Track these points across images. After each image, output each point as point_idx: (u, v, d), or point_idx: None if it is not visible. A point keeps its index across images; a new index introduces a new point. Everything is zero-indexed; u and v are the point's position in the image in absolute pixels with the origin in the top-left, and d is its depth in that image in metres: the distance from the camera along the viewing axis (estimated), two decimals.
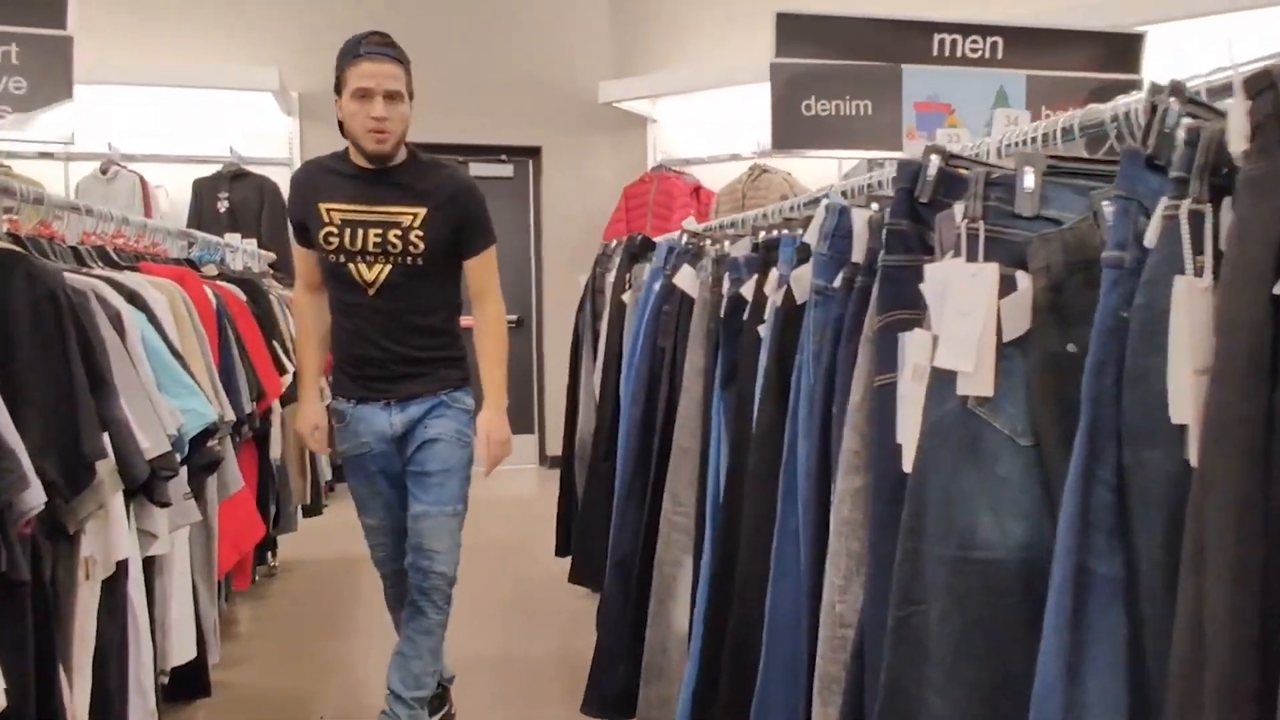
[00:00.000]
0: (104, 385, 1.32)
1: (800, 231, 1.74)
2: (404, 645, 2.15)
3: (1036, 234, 1.04)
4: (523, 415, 6.57)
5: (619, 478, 2.54)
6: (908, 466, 1.11)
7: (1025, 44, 2.39)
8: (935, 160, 1.22)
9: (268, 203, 5.45)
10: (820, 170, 5.45)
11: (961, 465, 1.05)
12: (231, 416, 2.06)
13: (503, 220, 6.34)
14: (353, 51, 2.00)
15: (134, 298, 1.68)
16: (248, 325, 2.42)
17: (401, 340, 2.09)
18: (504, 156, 6.37)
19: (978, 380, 1.03)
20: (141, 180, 5.39)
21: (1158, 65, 2.59)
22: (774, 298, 1.67)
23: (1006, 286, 1.04)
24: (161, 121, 5.60)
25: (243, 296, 2.57)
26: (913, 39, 2.38)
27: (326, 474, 4.20)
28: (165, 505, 1.58)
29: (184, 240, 2.92)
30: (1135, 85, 2.46)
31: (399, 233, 2.04)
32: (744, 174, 5.44)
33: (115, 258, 2.03)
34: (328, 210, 2.04)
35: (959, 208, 1.10)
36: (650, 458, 2.35)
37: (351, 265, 2.04)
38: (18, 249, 1.24)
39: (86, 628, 1.34)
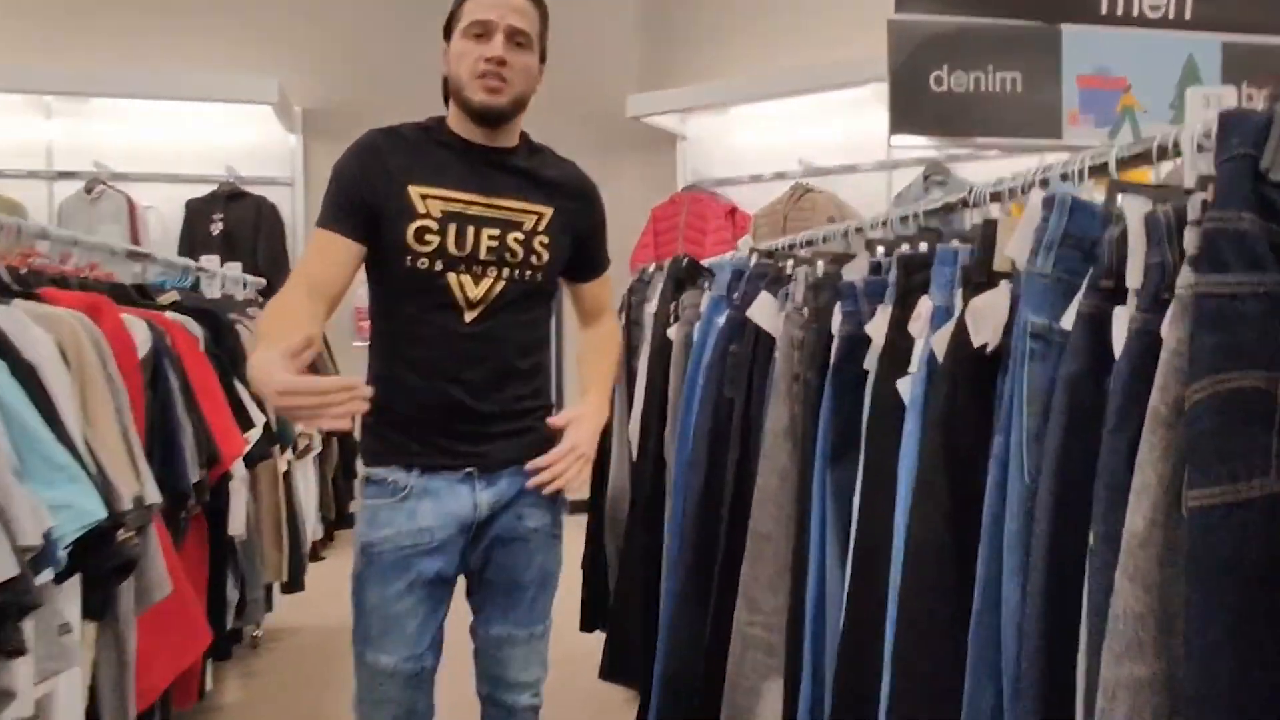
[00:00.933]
0: None
1: (956, 243, 1.20)
2: None
3: None
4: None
5: (671, 566, 2.00)
6: None
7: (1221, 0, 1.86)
8: None
9: (265, 226, 5.02)
10: (866, 191, 4.99)
11: None
12: (155, 497, 1.50)
13: None
14: None
15: None
16: (199, 369, 1.89)
17: (501, 386, 1.52)
18: None
19: None
20: (129, 201, 4.96)
21: None
22: (927, 340, 1.13)
23: None
24: (153, 137, 5.19)
25: (197, 332, 2.05)
26: None
27: (318, 532, 3.67)
28: (17, 653, 1.05)
29: (139, 263, 2.42)
30: None
31: (520, 237, 1.51)
32: (785, 194, 4.98)
33: (7, 281, 1.51)
34: (423, 196, 1.47)
35: None
36: (715, 544, 1.80)
37: (452, 276, 1.47)
38: None
39: None
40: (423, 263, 1.46)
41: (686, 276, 2.59)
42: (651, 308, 2.79)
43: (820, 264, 1.62)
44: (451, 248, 1.47)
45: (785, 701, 1.54)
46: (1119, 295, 0.84)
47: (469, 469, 1.51)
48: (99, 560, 1.32)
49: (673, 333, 2.43)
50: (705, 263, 2.68)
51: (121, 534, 1.36)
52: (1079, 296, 0.87)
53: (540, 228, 1.54)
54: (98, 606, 1.37)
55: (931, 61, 1.79)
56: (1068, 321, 0.88)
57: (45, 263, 1.85)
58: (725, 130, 5.61)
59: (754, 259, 1.96)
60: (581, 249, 1.62)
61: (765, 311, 1.71)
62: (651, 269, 3.09)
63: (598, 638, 2.78)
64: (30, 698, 1.12)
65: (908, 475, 1.13)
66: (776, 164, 5.28)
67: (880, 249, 1.41)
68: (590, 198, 1.65)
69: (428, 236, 1.46)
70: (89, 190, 4.91)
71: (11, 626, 1.03)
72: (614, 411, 3.19)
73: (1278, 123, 0.69)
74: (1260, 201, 0.70)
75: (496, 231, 1.49)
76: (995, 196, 1.31)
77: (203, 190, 5.09)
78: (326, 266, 1.46)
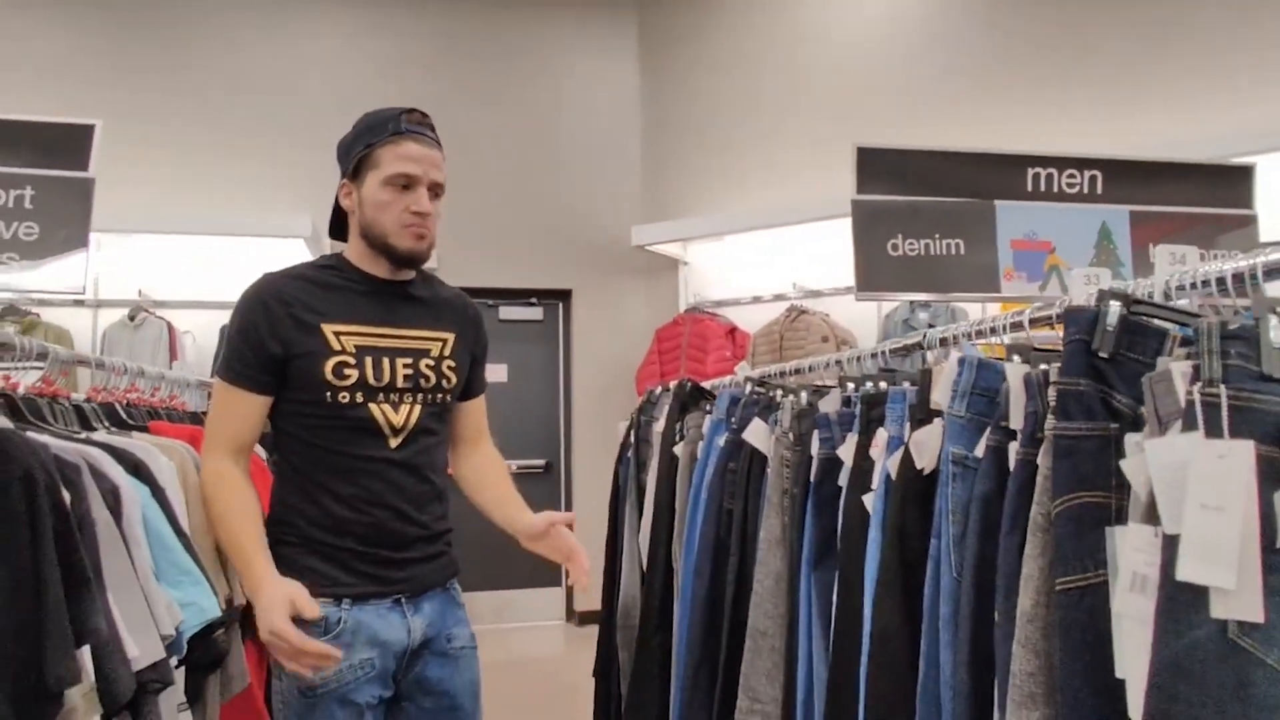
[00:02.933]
0: (85, 586, 1.07)
1: (907, 385, 1.50)
2: None
3: None
4: (549, 568, 6.21)
5: (679, 661, 2.21)
6: (1135, 712, 0.82)
7: (1126, 178, 2.23)
8: (1115, 307, 0.99)
9: None
10: (856, 311, 5.33)
11: (1223, 716, 0.77)
12: (241, 600, 1.77)
13: (532, 363, 6.30)
14: (390, 127, 1.54)
15: (138, 468, 1.45)
16: (265, 485, 2.17)
17: (422, 508, 1.57)
18: (534, 299, 6.30)
19: (1242, 601, 0.76)
20: (169, 326, 5.32)
21: (1272, 197, 2.43)
22: (884, 463, 1.41)
23: (1268, 470, 0.78)
24: (191, 267, 5.58)
25: (262, 454, 2.33)
26: (1005, 174, 2.21)
27: None
28: None
29: (205, 391, 2.73)
30: (1250, 219, 2.30)
31: (430, 363, 1.59)
32: (781, 315, 5.30)
33: (124, 416, 1.81)
34: (337, 334, 1.51)
35: (1179, 367, 0.86)
36: (719, 641, 2.03)
37: (374, 406, 1.52)
38: None
39: None
40: (344, 396, 1.50)
41: (690, 399, 2.88)
42: (659, 427, 3.05)
43: (804, 395, 1.92)
44: (370, 379, 1.51)
45: None
46: (1014, 433, 1.13)
47: (398, 595, 1.53)
48: (199, 653, 1.57)
49: (679, 450, 2.70)
50: (707, 385, 2.98)
51: (217, 632, 1.61)
52: (987, 433, 1.16)
53: (446, 352, 1.61)
54: (193, 693, 1.61)
55: (888, 232, 2.15)
56: (979, 451, 1.17)
57: (138, 396, 2.15)
58: (724, 256, 5.97)
59: (749, 387, 2.26)
60: (473, 368, 1.69)
61: (758, 434, 1.99)
62: (659, 391, 3.37)
63: None
64: None
65: (872, 574, 1.40)
66: (772, 286, 5.61)
67: (850, 385, 1.71)
68: (479, 320, 1.72)
69: (346, 371, 1.50)
70: (132, 318, 5.27)
71: (152, 702, 1.28)
72: (622, 521, 3.42)
73: (1102, 318, 1.00)
74: (1093, 370, 1.00)
75: (410, 360, 1.56)
76: (943, 341, 1.62)
77: None
78: (243, 427, 1.51)
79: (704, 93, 6.18)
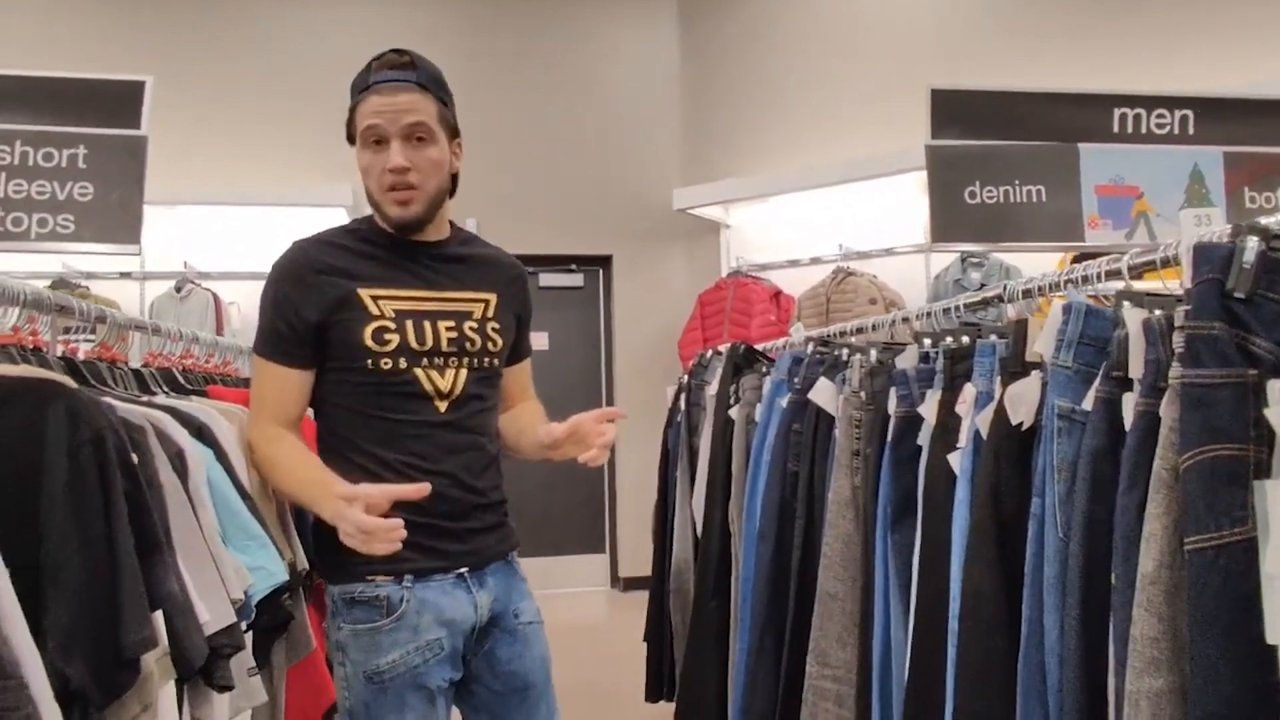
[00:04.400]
0: (158, 550, 1.04)
1: (994, 337, 1.42)
2: None
3: None
4: (593, 534, 6.23)
5: (743, 625, 2.17)
6: None
7: (1220, 116, 2.10)
8: (1254, 242, 0.90)
9: None
10: (903, 273, 5.21)
11: None
12: (304, 564, 1.75)
13: (572, 330, 6.26)
14: (360, 85, 1.45)
15: (201, 430, 1.42)
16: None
17: (478, 474, 1.47)
18: (574, 266, 6.24)
19: None
20: (215, 297, 5.36)
21: None
22: (972, 420, 1.34)
23: None
24: (235, 239, 5.61)
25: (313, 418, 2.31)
26: (1090, 115, 2.09)
27: None
28: (227, 689, 1.28)
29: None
30: None
31: (474, 325, 1.49)
32: (827, 277, 5.19)
33: (182, 381, 1.79)
34: (374, 298, 1.42)
35: None
36: (785, 605, 1.99)
37: (419, 372, 1.43)
38: (58, 380, 0.99)
39: None
40: (386, 362, 1.41)
41: (744, 361, 2.82)
42: (711, 390, 3.00)
43: (873, 352, 1.85)
44: (413, 343, 1.42)
45: None
46: (1127, 383, 1.05)
47: (461, 569, 1.44)
48: (265, 617, 1.55)
49: (734, 413, 2.64)
50: (760, 347, 2.92)
51: (282, 597, 1.59)
52: (1095, 384, 1.09)
53: (489, 314, 1.51)
54: (259, 658, 1.59)
55: (965, 179, 2.04)
56: (1088, 404, 1.09)
57: (193, 362, 2.14)
58: (767, 218, 5.86)
59: (810, 347, 2.19)
60: (518, 330, 1.58)
61: (825, 394, 1.93)
62: (709, 354, 3.31)
63: (660, 707, 2.92)
64: None
65: (960, 535, 1.34)
66: (817, 249, 5.50)
67: (927, 340, 1.63)
68: (522, 280, 1.61)
69: (386, 336, 1.41)
70: (178, 289, 5.31)
71: (223, 666, 1.26)
72: (671, 486, 3.39)
73: (1238, 255, 0.92)
74: (1227, 312, 0.92)
75: (452, 323, 1.46)
76: (1026, 293, 1.54)
77: None
78: (286, 402, 1.44)
79: (747, 51, 6.03)
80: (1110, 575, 1.01)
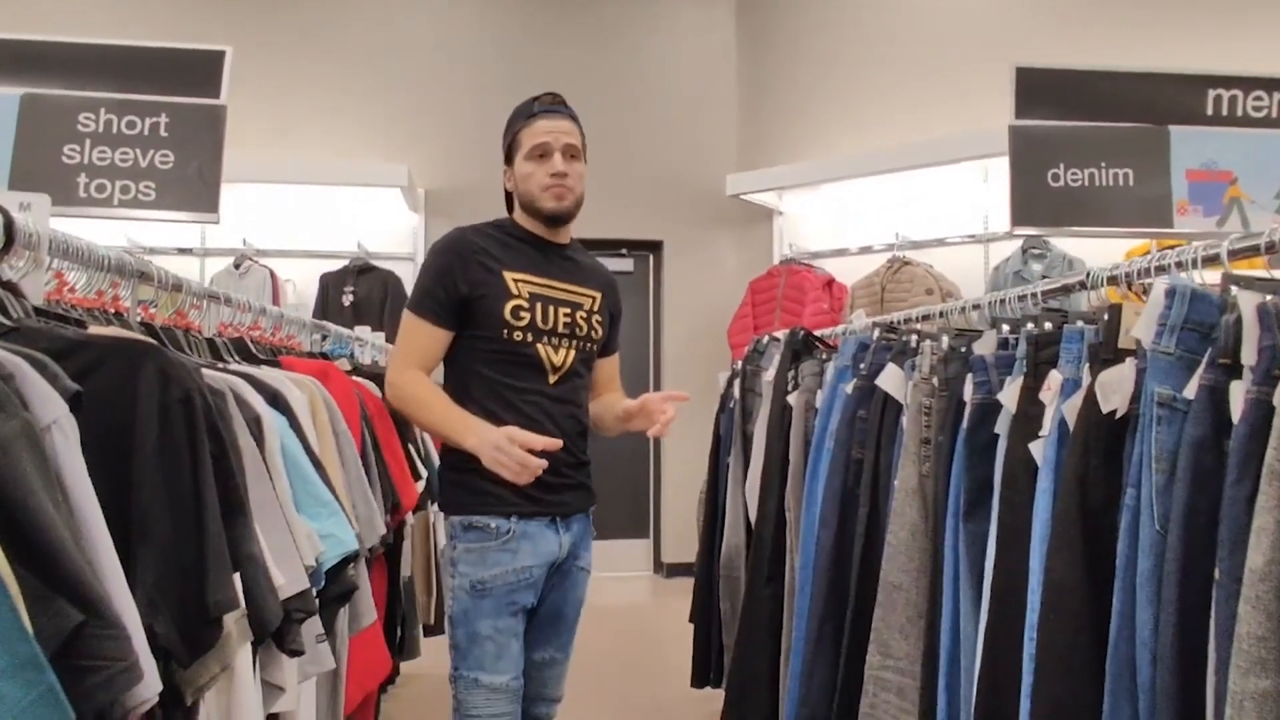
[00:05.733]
0: (240, 512, 1.05)
1: (1080, 323, 1.38)
2: None
3: None
4: (637, 518, 6.23)
5: (800, 613, 2.14)
6: None
7: None
8: None
9: (391, 297, 5.42)
10: (960, 264, 5.10)
11: None
12: (370, 537, 1.77)
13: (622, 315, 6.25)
14: (525, 113, 1.83)
15: (275, 398, 1.44)
16: (385, 427, 2.17)
17: (574, 440, 1.80)
18: (624, 250, 6.22)
19: None
20: (272, 274, 5.44)
21: None
22: (1058, 408, 1.30)
23: None
24: (292, 217, 5.69)
25: (377, 393, 2.33)
26: (1182, 96, 2.00)
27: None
28: (298, 654, 1.29)
29: (318, 333, 2.75)
30: None
31: (584, 314, 1.83)
32: (882, 266, 5.12)
33: (254, 350, 1.82)
34: (515, 280, 1.76)
35: None
36: (846, 594, 1.96)
37: (540, 347, 1.76)
38: (148, 341, 0.99)
39: None
40: (517, 335, 1.74)
41: (803, 347, 2.78)
42: (768, 376, 2.96)
43: (945, 339, 1.80)
44: (539, 322, 1.75)
45: None
46: (1235, 370, 1.01)
47: (553, 515, 1.76)
48: (331, 586, 1.56)
49: (793, 399, 2.60)
50: (820, 333, 2.87)
51: (349, 567, 1.60)
52: (1199, 371, 1.04)
53: (595, 308, 1.85)
54: (325, 626, 1.61)
55: (1049, 160, 1.98)
56: (1190, 392, 1.05)
57: (260, 334, 2.16)
58: (820, 205, 5.79)
59: (876, 333, 2.15)
60: (610, 327, 1.92)
61: (893, 380, 1.89)
62: (766, 340, 3.27)
63: (708, 694, 2.91)
64: (295, 693, 1.36)
65: (1042, 525, 1.30)
66: (871, 237, 5.42)
67: (1005, 326, 1.59)
68: (616, 285, 1.97)
69: (521, 313, 1.74)
70: (237, 265, 5.40)
71: (295, 631, 1.27)
72: (723, 471, 3.36)
73: None
74: None
75: (569, 310, 1.80)
76: (1112, 280, 1.49)
77: (336, 265, 5.57)
78: (426, 353, 1.76)
79: (804, 35, 5.95)
80: (1210, 569, 0.97)
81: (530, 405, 1.74)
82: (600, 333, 1.86)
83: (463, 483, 1.73)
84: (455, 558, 1.72)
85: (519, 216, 1.85)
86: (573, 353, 1.80)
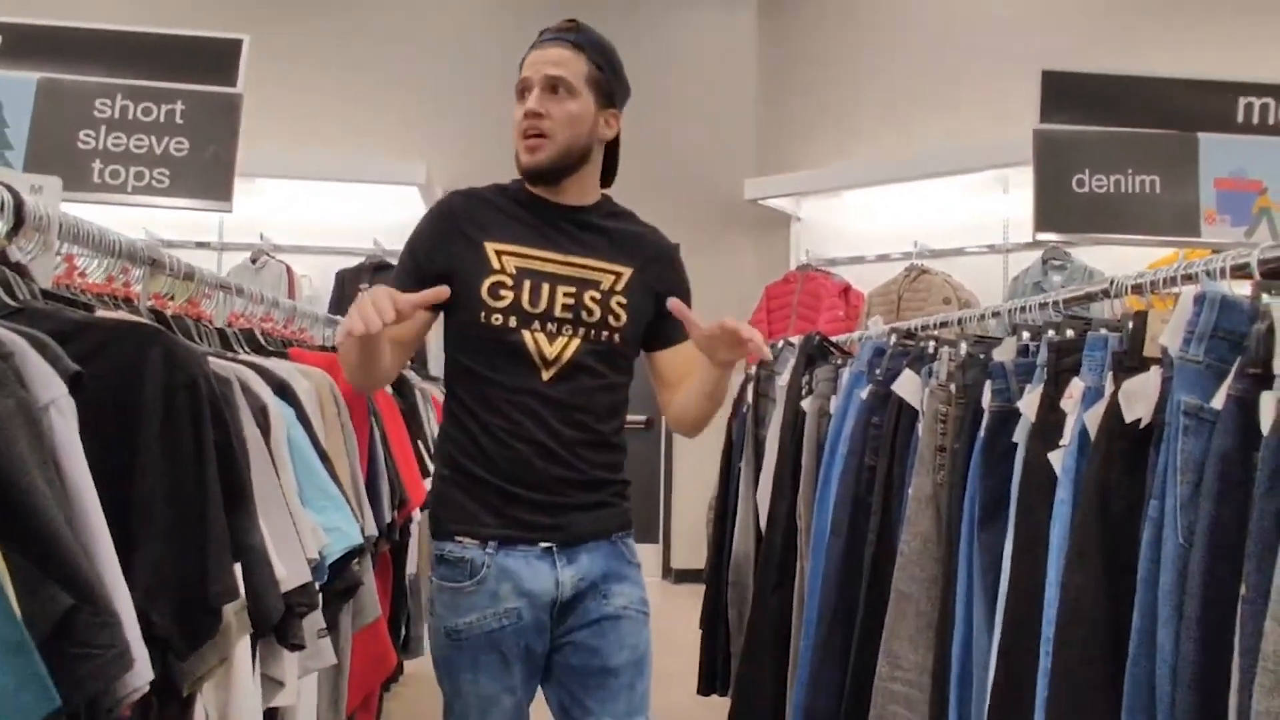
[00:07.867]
0: (242, 502, 1.04)
1: (1104, 330, 1.34)
2: None
3: None
4: (647, 524, 6.20)
5: (809, 621, 2.11)
6: None
7: None
8: None
9: None
10: (978, 273, 5.06)
11: None
12: (374, 531, 1.75)
13: None
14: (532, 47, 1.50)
15: (283, 389, 1.42)
16: (394, 423, 2.16)
17: (575, 452, 1.43)
18: None
19: None
20: (288, 269, 5.46)
21: None
22: (1079, 416, 1.27)
23: None
24: (308, 213, 5.70)
25: (389, 390, 2.32)
26: (1211, 103, 1.97)
27: None
28: (298, 648, 1.27)
29: (331, 328, 2.74)
30: None
31: (597, 296, 1.45)
32: (900, 274, 5.08)
33: (263, 342, 1.81)
34: (498, 253, 1.42)
35: None
36: (855, 602, 1.93)
37: (526, 334, 1.41)
38: (155, 325, 0.98)
39: None
40: (497, 318, 1.40)
41: (818, 353, 2.75)
42: (782, 381, 2.93)
43: (964, 345, 1.77)
44: (525, 304, 1.41)
45: None
46: (1265, 380, 0.97)
47: (546, 544, 1.41)
48: (335, 580, 1.55)
49: (806, 405, 2.58)
50: (836, 339, 2.84)
51: (353, 562, 1.59)
52: (1229, 380, 1.01)
53: (619, 288, 1.46)
54: (328, 621, 1.60)
55: (1074, 166, 1.94)
56: (1218, 402, 1.01)
57: (272, 326, 2.16)
58: (839, 212, 5.76)
59: (893, 339, 2.12)
60: (665, 313, 1.45)
61: (909, 386, 1.86)
62: (780, 345, 3.24)
63: (713, 701, 2.88)
64: (295, 688, 1.34)
65: (1060, 537, 1.26)
66: (889, 245, 5.37)
67: (1026, 333, 1.56)
68: (672, 259, 1.57)
69: (502, 292, 1.41)
70: (254, 260, 5.42)
71: (296, 625, 1.26)
72: (733, 477, 3.34)
73: None
74: None
75: (572, 289, 1.43)
76: (1137, 289, 1.45)
77: (352, 261, 5.58)
78: (399, 326, 1.33)
79: (825, 42, 5.92)
80: (1235, 585, 0.94)
81: (515, 406, 1.40)
82: (624, 318, 1.46)
83: (440, 496, 1.45)
84: (431, 595, 1.44)
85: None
86: (576, 342, 1.43)
